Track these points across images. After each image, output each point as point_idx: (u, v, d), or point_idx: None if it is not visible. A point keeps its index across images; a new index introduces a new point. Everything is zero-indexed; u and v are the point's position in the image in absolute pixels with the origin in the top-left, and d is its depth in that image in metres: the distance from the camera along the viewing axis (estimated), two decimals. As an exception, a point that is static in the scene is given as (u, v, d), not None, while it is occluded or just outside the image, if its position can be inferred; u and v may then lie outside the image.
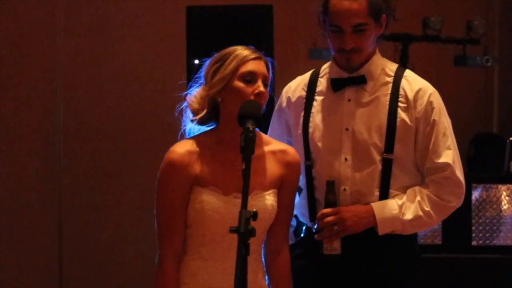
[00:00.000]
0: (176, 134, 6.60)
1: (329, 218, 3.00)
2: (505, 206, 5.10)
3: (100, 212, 6.50)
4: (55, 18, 6.43)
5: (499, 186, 5.11)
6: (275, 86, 3.10)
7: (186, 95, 2.93)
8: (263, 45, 5.05)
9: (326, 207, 3.03)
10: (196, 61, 5.21)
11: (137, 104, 6.61)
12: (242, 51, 2.85)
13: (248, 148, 2.53)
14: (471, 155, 7.07)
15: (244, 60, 2.82)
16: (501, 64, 7.59)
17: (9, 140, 6.40)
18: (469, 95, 7.62)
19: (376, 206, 3.04)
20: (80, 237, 6.48)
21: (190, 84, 2.96)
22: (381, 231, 3.04)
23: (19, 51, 6.42)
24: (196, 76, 2.93)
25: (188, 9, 5.35)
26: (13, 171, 6.39)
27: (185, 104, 2.93)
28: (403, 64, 6.60)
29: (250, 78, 2.82)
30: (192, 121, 2.90)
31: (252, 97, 2.78)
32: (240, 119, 2.65)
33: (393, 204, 3.04)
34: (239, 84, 2.81)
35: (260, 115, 2.69)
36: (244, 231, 2.39)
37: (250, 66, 2.82)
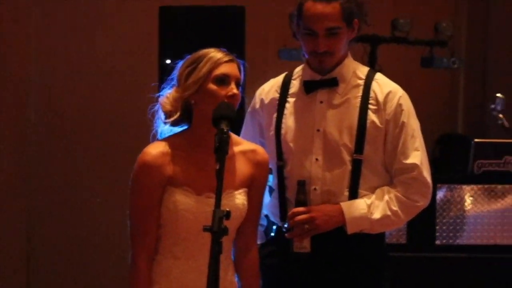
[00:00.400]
0: (147, 132, 6.62)
1: (300, 217, 3.06)
2: (468, 206, 5.13)
3: (72, 208, 6.49)
4: (29, 16, 6.41)
5: (463, 186, 5.13)
6: (245, 86, 3.13)
7: (158, 96, 2.96)
8: (235, 45, 5.11)
9: (296, 206, 3.09)
10: (168, 61, 5.29)
11: (110, 102, 6.60)
12: (215, 54, 2.89)
13: (222, 149, 2.57)
14: (436, 155, 7.11)
15: (217, 63, 2.87)
16: (467, 66, 7.66)
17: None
18: (436, 96, 7.66)
19: (345, 205, 3.10)
20: (51, 232, 6.46)
21: (162, 85, 2.99)
22: (350, 230, 3.10)
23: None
24: (168, 77, 2.97)
25: (161, 10, 5.36)
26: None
27: (157, 105, 2.96)
28: (372, 65, 6.66)
29: (223, 80, 2.86)
30: (165, 123, 2.94)
31: (225, 99, 2.83)
32: (214, 121, 2.69)
33: (362, 204, 3.10)
34: (212, 86, 2.86)
35: (234, 116, 2.73)
36: (217, 230, 2.44)
37: (223, 69, 2.87)
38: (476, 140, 5.31)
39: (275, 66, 6.58)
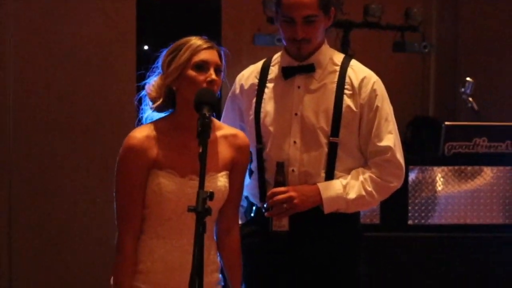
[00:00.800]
0: (126, 118, 6.68)
1: (279, 197, 3.16)
2: (439, 187, 5.21)
3: (51, 199, 6.50)
4: (4, 3, 6.38)
5: (434, 168, 5.20)
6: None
7: (144, 84, 3.04)
8: (211, 31, 5.20)
9: (275, 187, 3.19)
10: (146, 47, 5.36)
11: (88, 89, 6.59)
12: (195, 41, 2.96)
13: (205, 132, 2.65)
14: (408, 137, 7.20)
15: (197, 50, 2.94)
16: (438, 51, 7.76)
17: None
18: (407, 80, 7.75)
19: (322, 186, 3.20)
20: (32, 220, 6.46)
21: (145, 72, 3.06)
22: (327, 209, 3.20)
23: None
24: (153, 66, 3.04)
25: (138, -1, 5.43)
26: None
27: (143, 92, 3.04)
28: (345, 49, 6.73)
29: (202, 66, 2.93)
30: (151, 108, 3.01)
31: (204, 85, 2.90)
32: (196, 106, 2.77)
33: (337, 184, 3.20)
34: (192, 73, 2.93)
35: (215, 101, 2.82)
36: (201, 210, 2.53)
37: (203, 55, 2.94)
38: (446, 123, 5.35)
39: (250, 51, 6.68)
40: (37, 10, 6.49)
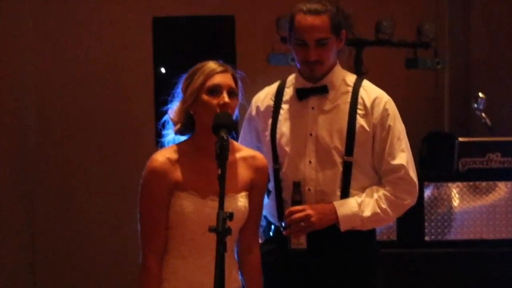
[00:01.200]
0: (142, 137, 6.76)
1: (296, 215, 3.23)
2: (455, 203, 5.24)
3: (72, 214, 6.59)
4: (23, 23, 6.50)
5: (449, 184, 5.25)
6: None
7: (167, 109, 3.13)
8: (226, 52, 5.30)
9: (293, 205, 3.25)
10: (163, 70, 5.44)
11: (106, 108, 6.67)
12: (209, 65, 3.05)
13: (223, 155, 2.73)
14: (423, 153, 7.21)
15: (210, 74, 3.03)
16: (451, 66, 7.78)
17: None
18: (421, 96, 7.75)
19: (338, 204, 3.26)
20: (54, 234, 6.55)
21: (169, 98, 3.14)
22: (343, 227, 3.26)
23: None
24: (173, 91, 3.12)
25: (154, 20, 5.50)
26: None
27: (166, 116, 3.13)
28: (357, 67, 6.78)
29: (215, 90, 3.02)
30: (173, 132, 3.11)
31: (217, 109, 2.98)
32: (214, 129, 2.85)
33: (353, 202, 3.26)
34: (206, 97, 3.02)
35: (232, 124, 2.90)
36: (221, 230, 2.61)
37: (216, 80, 3.02)
38: (460, 139, 5.41)
39: (265, 70, 6.73)
40: (56, 31, 6.59)
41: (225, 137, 2.79)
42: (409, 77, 7.42)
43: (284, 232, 3.27)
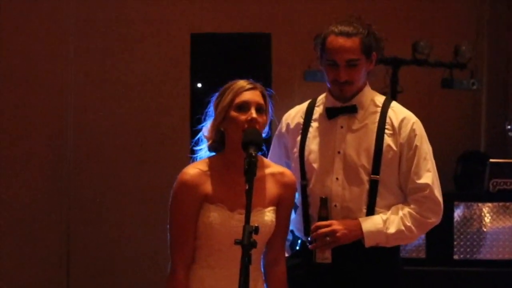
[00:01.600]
0: (179, 153, 6.89)
1: (322, 230, 3.30)
2: (485, 222, 5.28)
3: (106, 225, 6.73)
4: (66, 39, 6.65)
5: (479, 204, 5.30)
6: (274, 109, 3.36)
7: (201, 127, 3.24)
8: (262, 69, 5.38)
9: (319, 221, 3.33)
10: (199, 85, 5.55)
11: (143, 124, 6.82)
12: (238, 83, 3.15)
13: (251, 171, 2.83)
14: (458, 172, 7.25)
15: (238, 92, 3.13)
16: (489, 87, 7.80)
17: (22, 157, 6.63)
18: (457, 116, 7.78)
19: (363, 220, 3.33)
20: (88, 244, 6.70)
21: (203, 117, 3.25)
22: (367, 243, 3.32)
23: (33, 72, 6.64)
24: (206, 110, 3.23)
25: (192, 36, 5.60)
26: (23, 186, 6.61)
27: (200, 134, 3.24)
28: (393, 86, 6.83)
29: (243, 107, 3.11)
30: (207, 148, 3.22)
31: (245, 124, 3.08)
32: (243, 146, 2.96)
33: (378, 219, 3.33)
34: (234, 113, 3.12)
35: (260, 141, 3.00)
36: (247, 243, 2.71)
37: (244, 97, 3.12)
38: (491, 160, 5.47)
39: (301, 87, 6.83)
40: (97, 47, 6.73)
41: (253, 154, 2.89)
42: (446, 96, 7.44)
43: (309, 246, 3.34)
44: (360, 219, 3.34)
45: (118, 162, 6.77)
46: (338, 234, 3.29)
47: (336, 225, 3.30)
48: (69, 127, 6.70)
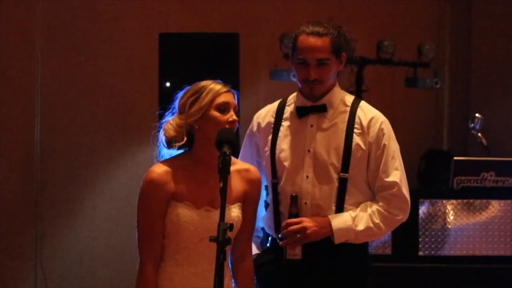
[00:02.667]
0: (145, 150, 6.90)
1: (293, 227, 3.35)
2: (449, 219, 5.36)
3: (74, 222, 6.76)
4: (34, 37, 6.64)
5: (444, 201, 5.37)
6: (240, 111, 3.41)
7: (161, 124, 3.26)
8: (230, 68, 5.42)
9: (289, 218, 3.38)
10: (168, 84, 5.57)
11: (110, 119, 6.83)
12: (215, 85, 3.21)
13: (225, 169, 2.89)
14: (422, 170, 7.33)
15: (217, 93, 3.18)
16: (451, 86, 7.89)
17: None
18: (421, 114, 7.85)
19: (333, 217, 3.39)
20: (59, 247, 6.72)
21: (165, 113, 3.28)
22: (337, 240, 3.38)
23: (0, 70, 6.64)
24: (170, 106, 3.27)
25: (161, 36, 5.61)
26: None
27: (160, 131, 3.26)
28: (358, 85, 6.91)
29: (224, 108, 3.18)
30: (169, 147, 3.23)
31: (226, 125, 3.15)
32: (218, 144, 3.01)
33: (347, 216, 3.39)
34: (215, 113, 3.17)
35: (234, 140, 3.05)
36: (222, 240, 2.75)
37: (224, 98, 3.19)
38: (455, 158, 5.53)
39: (267, 86, 6.89)
40: (64, 45, 6.73)
41: (227, 152, 2.95)
42: (409, 95, 7.52)
43: (280, 243, 3.39)
44: (330, 217, 3.39)
45: (86, 159, 6.78)
46: (308, 232, 3.34)
47: (306, 222, 3.35)
48: (37, 126, 6.69)
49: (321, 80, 3.42)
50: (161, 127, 3.27)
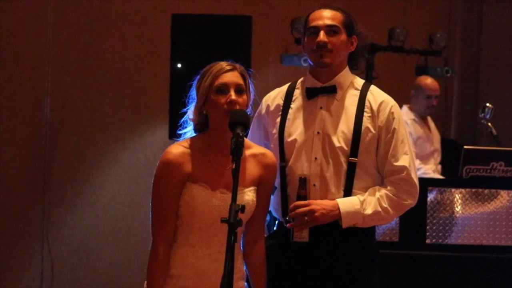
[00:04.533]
0: (154, 132, 6.91)
1: (301, 209, 3.35)
2: (457, 208, 5.34)
3: (83, 200, 6.77)
4: (45, 18, 6.65)
5: (453, 190, 5.34)
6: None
7: (187, 111, 3.27)
8: (242, 51, 5.41)
9: (298, 200, 3.37)
10: (179, 65, 5.57)
11: (122, 101, 6.84)
12: (217, 66, 3.19)
13: (238, 150, 2.88)
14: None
15: (217, 74, 3.17)
16: (460, 75, 7.89)
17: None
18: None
19: (341, 201, 3.38)
20: (66, 226, 6.74)
21: (187, 100, 3.27)
22: (345, 223, 3.38)
23: (11, 50, 6.64)
24: (189, 93, 3.27)
25: (173, 17, 5.60)
26: (1, 162, 6.62)
27: (186, 117, 3.28)
28: (369, 72, 6.91)
29: (222, 89, 3.16)
30: (195, 130, 3.26)
31: (225, 106, 3.12)
32: (230, 126, 3.00)
33: (355, 200, 3.38)
34: (214, 96, 3.16)
35: (247, 121, 3.04)
36: (233, 221, 2.75)
37: (222, 79, 3.16)
38: (465, 147, 5.50)
39: (277, 70, 6.90)
40: (75, 26, 6.74)
41: (240, 134, 2.94)
42: (419, 83, 7.51)
43: (287, 225, 3.39)
44: (338, 200, 3.38)
45: (95, 140, 6.80)
46: (316, 214, 3.34)
47: (314, 205, 3.35)
48: (47, 105, 6.70)
49: (331, 48, 3.41)
50: (187, 113, 3.28)
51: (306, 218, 3.34)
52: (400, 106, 3.57)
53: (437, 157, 6.32)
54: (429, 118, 6.54)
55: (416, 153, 6.27)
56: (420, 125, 6.45)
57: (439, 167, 6.08)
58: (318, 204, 3.36)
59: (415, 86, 6.48)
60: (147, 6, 6.82)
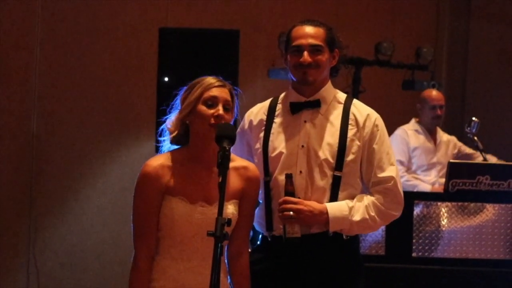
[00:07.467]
0: (140, 145, 6.90)
1: (289, 205, 3.35)
2: (443, 222, 5.36)
3: (69, 219, 6.75)
4: (32, 31, 6.64)
5: (439, 203, 5.37)
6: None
7: (166, 119, 3.28)
8: (229, 65, 5.43)
9: (286, 195, 3.37)
10: (166, 79, 5.58)
11: (108, 113, 6.82)
12: (208, 80, 3.21)
13: (224, 164, 2.89)
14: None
15: (208, 87, 3.18)
16: (447, 89, 7.91)
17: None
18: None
19: (330, 205, 3.39)
20: (52, 239, 6.71)
21: (168, 109, 3.29)
22: (332, 228, 3.38)
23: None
24: (172, 103, 3.28)
25: (161, 31, 5.62)
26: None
27: (164, 126, 3.28)
28: (356, 86, 6.93)
29: (211, 102, 3.17)
30: (171, 142, 3.25)
31: (212, 119, 3.14)
32: (217, 139, 3.00)
33: (344, 206, 3.40)
34: (202, 107, 3.17)
35: (234, 135, 3.05)
36: (219, 235, 2.76)
37: (213, 92, 3.18)
38: (451, 161, 5.55)
39: (265, 84, 6.92)
40: (63, 37, 6.73)
41: (227, 148, 2.94)
42: (407, 97, 7.54)
43: (279, 216, 3.37)
44: (327, 204, 3.39)
45: (82, 152, 6.79)
46: (302, 215, 3.35)
47: (303, 205, 3.36)
48: (34, 118, 6.69)
49: (315, 65, 3.43)
50: (165, 122, 3.28)
51: (292, 213, 3.34)
52: (386, 122, 3.59)
53: (441, 170, 6.33)
54: (439, 132, 6.55)
55: (412, 163, 6.32)
56: (423, 137, 6.46)
57: (442, 180, 6.12)
58: (307, 205, 3.37)
59: (420, 99, 6.52)
60: (135, 19, 6.83)
